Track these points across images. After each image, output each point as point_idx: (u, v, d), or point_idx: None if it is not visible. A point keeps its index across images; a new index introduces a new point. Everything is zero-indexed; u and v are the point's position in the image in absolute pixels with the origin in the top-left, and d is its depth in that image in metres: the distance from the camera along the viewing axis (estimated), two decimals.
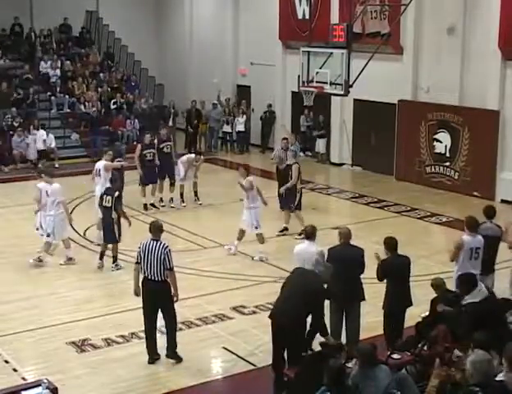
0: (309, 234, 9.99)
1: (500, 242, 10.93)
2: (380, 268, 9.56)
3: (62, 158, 22.81)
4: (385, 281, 9.66)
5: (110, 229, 13.21)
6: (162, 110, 26.39)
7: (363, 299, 9.70)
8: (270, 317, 8.80)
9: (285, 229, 15.50)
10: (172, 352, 9.83)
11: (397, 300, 9.45)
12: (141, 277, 9.78)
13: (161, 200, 17.74)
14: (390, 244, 9.56)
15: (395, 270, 9.48)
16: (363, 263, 9.64)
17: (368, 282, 10.39)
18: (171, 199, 17.73)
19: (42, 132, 22.63)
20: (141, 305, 9.91)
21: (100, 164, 15.41)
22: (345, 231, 9.80)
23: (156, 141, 17.62)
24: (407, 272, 9.55)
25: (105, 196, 13.25)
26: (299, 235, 15.06)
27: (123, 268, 13.23)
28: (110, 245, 13.44)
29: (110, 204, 13.13)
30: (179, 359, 9.78)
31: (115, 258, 13.36)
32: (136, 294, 9.87)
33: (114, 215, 13.19)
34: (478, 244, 10.17)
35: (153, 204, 17.48)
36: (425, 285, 9.81)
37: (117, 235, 13.29)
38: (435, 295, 9.26)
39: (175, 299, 9.70)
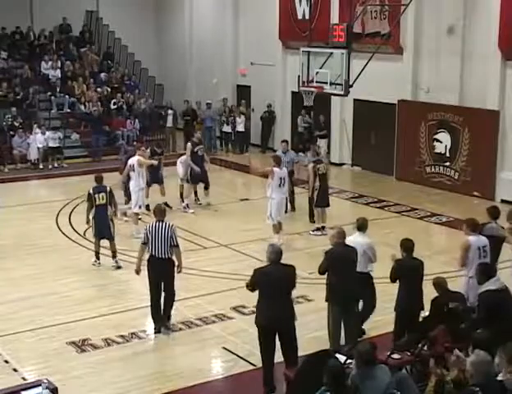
0: (360, 225, 10.29)
1: (503, 243, 10.94)
2: (393, 270, 9.62)
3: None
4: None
5: (106, 225, 13.35)
6: (162, 110, 26.40)
7: (361, 297, 9.80)
8: (260, 325, 8.88)
9: (322, 228, 15.57)
10: (166, 323, 10.77)
11: (408, 303, 9.42)
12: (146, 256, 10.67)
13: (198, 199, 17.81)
14: (407, 245, 9.58)
15: (407, 272, 9.49)
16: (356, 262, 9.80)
17: None
18: (208, 203, 17.76)
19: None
20: (141, 305, 10.40)
21: (134, 160, 15.48)
22: (340, 231, 9.88)
23: (190, 145, 17.70)
24: (419, 275, 9.55)
25: (98, 194, 13.30)
26: (313, 231, 15.45)
27: (122, 267, 13.28)
28: (102, 243, 13.57)
29: (104, 201, 13.27)
30: (169, 330, 10.69)
31: (114, 254, 13.48)
32: (137, 272, 10.92)
33: (110, 211, 13.38)
34: (484, 243, 10.12)
35: (166, 204, 17.40)
36: (425, 285, 9.80)
37: (113, 232, 13.41)
38: (435, 295, 9.27)
39: (178, 270, 10.69)
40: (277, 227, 14.65)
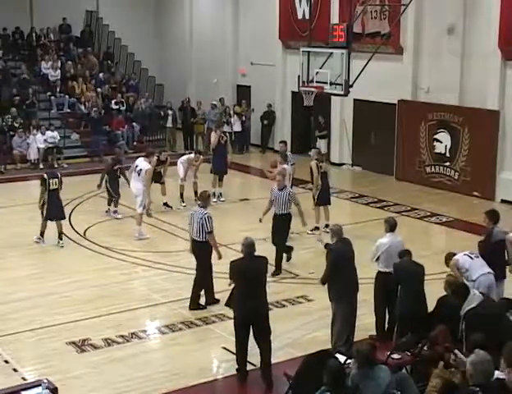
0: (393, 225, 10.42)
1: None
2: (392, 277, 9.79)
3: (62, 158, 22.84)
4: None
5: (58, 207, 14.62)
6: (162, 110, 26.39)
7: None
8: (237, 316, 9.25)
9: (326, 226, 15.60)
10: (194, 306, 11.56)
11: (408, 307, 9.42)
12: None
13: (213, 195, 17.88)
14: (401, 252, 9.76)
15: (406, 276, 9.52)
16: None
17: (365, 282, 10.43)
18: (220, 193, 18.22)
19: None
20: (142, 305, 10.82)
21: (143, 165, 15.50)
22: (338, 229, 9.93)
23: (215, 134, 18.40)
24: (420, 280, 9.58)
25: (51, 180, 14.46)
26: (311, 231, 15.44)
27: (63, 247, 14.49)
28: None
29: (57, 186, 14.52)
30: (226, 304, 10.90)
31: (61, 235, 14.63)
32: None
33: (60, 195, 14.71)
34: (468, 250, 10.21)
35: (166, 204, 17.43)
36: (427, 284, 9.80)
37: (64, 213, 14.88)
38: (434, 295, 9.25)
39: (218, 256, 11.52)
40: None
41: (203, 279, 11.62)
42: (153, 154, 16.35)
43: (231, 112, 25.20)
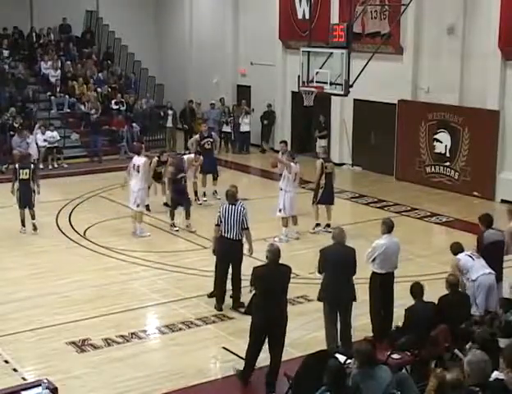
0: (391, 227, 10.39)
1: (504, 246, 10.92)
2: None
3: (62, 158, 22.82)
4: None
5: (29, 198, 15.16)
6: (162, 110, 26.39)
7: (355, 299, 9.83)
8: (256, 324, 8.97)
9: (327, 225, 15.67)
10: (237, 304, 11.36)
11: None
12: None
13: (204, 194, 18.11)
14: (415, 291, 9.26)
15: (418, 319, 9.17)
16: (356, 263, 9.77)
17: (362, 282, 10.43)
18: (215, 191, 18.23)
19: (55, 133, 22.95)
20: (142, 305, 10.61)
21: (139, 161, 15.44)
22: (337, 233, 9.91)
23: (198, 137, 18.55)
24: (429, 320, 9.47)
25: (22, 170, 15.11)
26: (313, 229, 15.53)
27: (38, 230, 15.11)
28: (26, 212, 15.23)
29: (27, 176, 15.07)
30: (245, 311, 10.90)
31: (33, 216, 15.30)
32: (214, 252, 11.50)
33: (32, 185, 15.16)
34: (468, 250, 10.21)
35: (166, 204, 17.41)
36: (429, 283, 9.79)
37: (33, 201, 15.28)
38: (434, 295, 9.24)
39: (250, 252, 11.39)
40: (287, 221, 15.07)
41: (240, 277, 11.43)
42: (141, 149, 16.19)
43: (243, 112, 25.11)
